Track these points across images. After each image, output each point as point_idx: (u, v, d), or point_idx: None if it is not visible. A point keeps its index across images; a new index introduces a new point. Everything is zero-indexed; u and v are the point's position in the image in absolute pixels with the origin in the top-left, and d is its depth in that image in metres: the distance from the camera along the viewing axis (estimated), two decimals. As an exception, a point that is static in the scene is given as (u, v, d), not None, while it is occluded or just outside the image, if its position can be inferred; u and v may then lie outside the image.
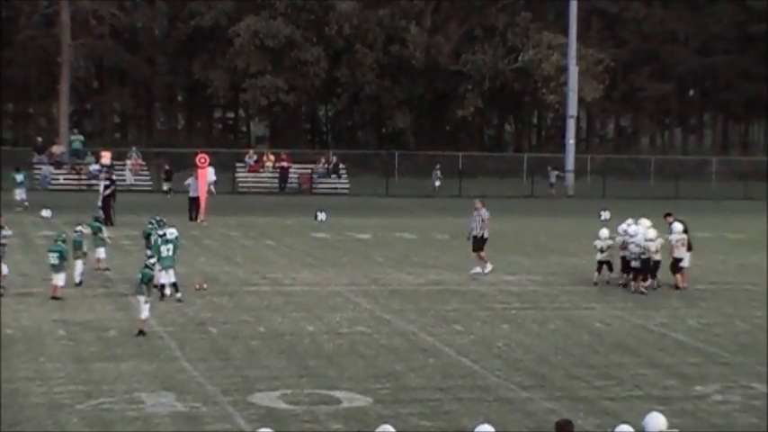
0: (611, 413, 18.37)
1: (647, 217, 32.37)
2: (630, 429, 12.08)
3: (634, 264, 29.95)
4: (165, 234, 27.55)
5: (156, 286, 26.41)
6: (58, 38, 67.27)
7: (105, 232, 32.06)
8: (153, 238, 28.30)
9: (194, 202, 45.30)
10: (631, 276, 30.17)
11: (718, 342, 24.35)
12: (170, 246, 27.13)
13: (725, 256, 37.54)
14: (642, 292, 29.56)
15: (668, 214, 32.09)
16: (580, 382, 20.62)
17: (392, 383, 20.14)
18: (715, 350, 23.57)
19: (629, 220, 31.11)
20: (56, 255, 27.19)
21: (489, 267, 32.74)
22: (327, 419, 17.84)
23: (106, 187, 43.91)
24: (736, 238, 43.24)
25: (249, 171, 63.53)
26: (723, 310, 28.16)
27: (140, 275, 23.61)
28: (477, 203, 33.71)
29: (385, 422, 13.06)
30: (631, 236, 30.05)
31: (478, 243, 32.97)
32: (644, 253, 29.63)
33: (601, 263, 31.00)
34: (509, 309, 27.66)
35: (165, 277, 27.13)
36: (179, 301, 26.80)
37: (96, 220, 32.62)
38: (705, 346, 24.00)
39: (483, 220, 32.96)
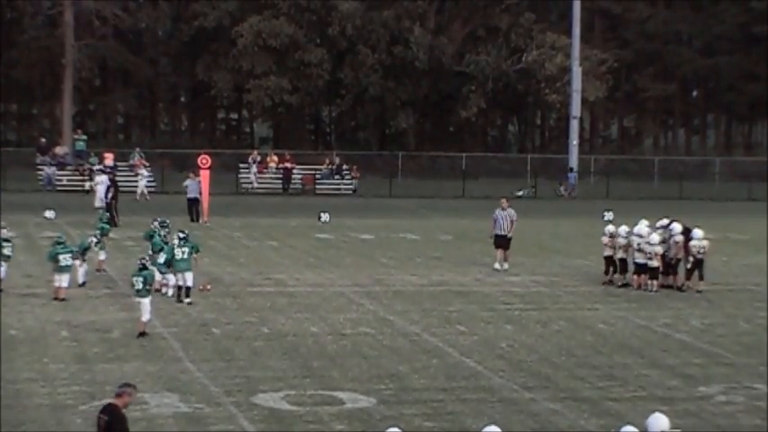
0: (614, 414, 18.37)
1: (648, 218, 32.50)
2: (635, 430, 12.05)
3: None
4: (183, 236, 27.46)
5: (157, 289, 26.41)
6: (62, 39, 67.29)
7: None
8: (164, 239, 28.28)
9: (193, 203, 45.27)
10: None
11: (721, 343, 24.34)
12: (185, 249, 27.09)
13: (728, 257, 37.50)
14: (699, 291, 30.15)
15: (675, 221, 32.11)
16: (584, 382, 20.61)
17: (395, 384, 20.14)
18: (719, 351, 23.56)
19: (665, 220, 31.44)
20: (69, 255, 27.25)
21: (506, 266, 33.42)
22: (331, 420, 17.85)
23: (108, 188, 43.93)
24: (739, 239, 43.22)
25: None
26: (727, 311, 28.15)
27: (141, 277, 23.58)
28: (504, 202, 34.31)
29: (392, 425, 13.10)
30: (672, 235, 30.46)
31: (505, 241, 33.65)
32: (700, 252, 30.34)
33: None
34: (512, 310, 27.65)
35: (181, 279, 27.08)
36: (188, 303, 26.77)
37: (104, 221, 32.69)
38: (709, 346, 23.99)
39: (512, 221, 33.73)
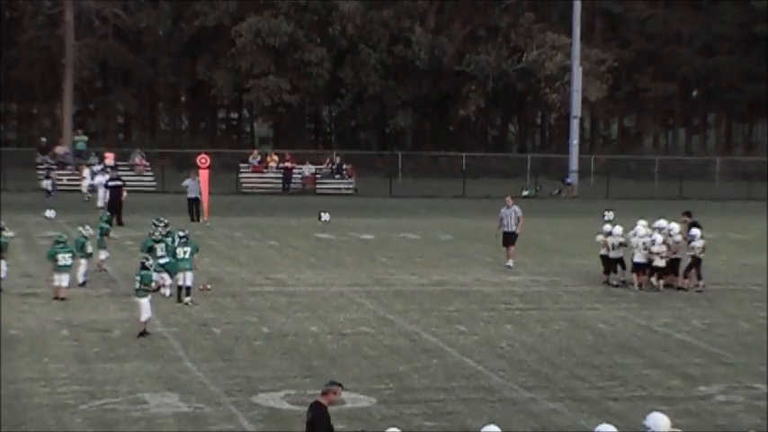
0: (614, 413, 18.35)
1: (646, 218, 32.52)
2: (612, 429, 11.88)
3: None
4: (183, 236, 27.44)
5: (156, 289, 26.39)
6: (62, 38, 67.28)
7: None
8: (168, 239, 28.26)
9: (193, 202, 45.26)
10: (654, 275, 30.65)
11: (721, 342, 24.34)
12: (187, 248, 27.08)
13: (728, 257, 37.51)
14: (699, 290, 30.26)
15: (686, 213, 32.40)
16: (584, 382, 20.61)
17: (396, 384, 20.13)
18: (719, 351, 23.56)
19: (663, 221, 31.55)
20: (68, 255, 27.25)
21: (511, 263, 33.84)
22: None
23: (116, 187, 43.88)
24: (739, 239, 43.23)
25: (253, 171, 63.61)
26: (727, 311, 28.14)
27: (139, 277, 23.60)
28: (508, 200, 34.79)
29: (392, 425, 13.10)
30: (670, 235, 30.49)
31: (511, 238, 34.11)
32: (698, 252, 30.56)
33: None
34: (513, 309, 27.65)
35: (181, 279, 27.06)
36: (191, 304, 26.71)
37: (105, 221, 32.68)
38: (709, 346, 23.99)
39: (519, 218, 34.14)
